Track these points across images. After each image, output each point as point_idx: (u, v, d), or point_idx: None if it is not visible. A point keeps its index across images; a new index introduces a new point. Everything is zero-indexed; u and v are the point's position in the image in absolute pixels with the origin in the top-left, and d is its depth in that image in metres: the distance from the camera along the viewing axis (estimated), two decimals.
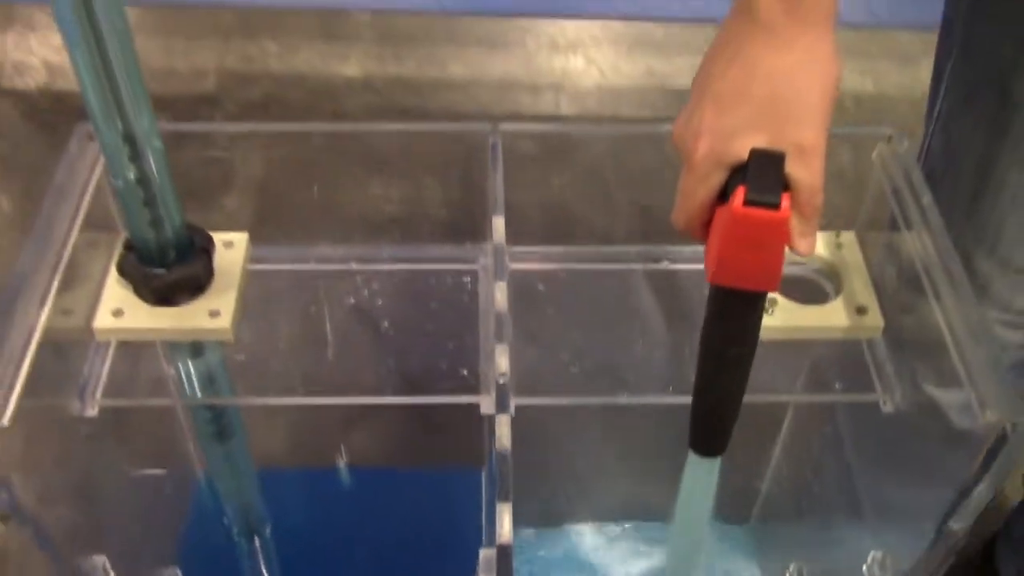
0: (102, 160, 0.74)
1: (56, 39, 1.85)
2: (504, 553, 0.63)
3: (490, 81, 1.89)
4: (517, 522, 0.64)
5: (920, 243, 0.76)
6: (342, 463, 1.18)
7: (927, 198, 0.76)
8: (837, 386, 0.90)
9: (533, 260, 0.86)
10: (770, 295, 0.78)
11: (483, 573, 0.71)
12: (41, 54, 1.88)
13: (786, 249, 0.61)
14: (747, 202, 0.56)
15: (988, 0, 0.78)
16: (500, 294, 0.73)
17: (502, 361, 0.69)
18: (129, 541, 0.89)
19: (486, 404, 0.71)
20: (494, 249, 0.76)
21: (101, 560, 0.78)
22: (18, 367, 0.66)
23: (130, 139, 0.68)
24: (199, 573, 1.04)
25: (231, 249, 0.80)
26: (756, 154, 0.57)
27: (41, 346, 0.68)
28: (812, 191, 0.59)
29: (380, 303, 0.89)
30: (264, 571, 1.07)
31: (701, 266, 0.62)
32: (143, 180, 0.71)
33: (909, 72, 1.78)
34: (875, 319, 0.79)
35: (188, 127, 0.83)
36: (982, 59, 0.79)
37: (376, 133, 0.95)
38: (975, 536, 1.24)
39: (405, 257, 0.89)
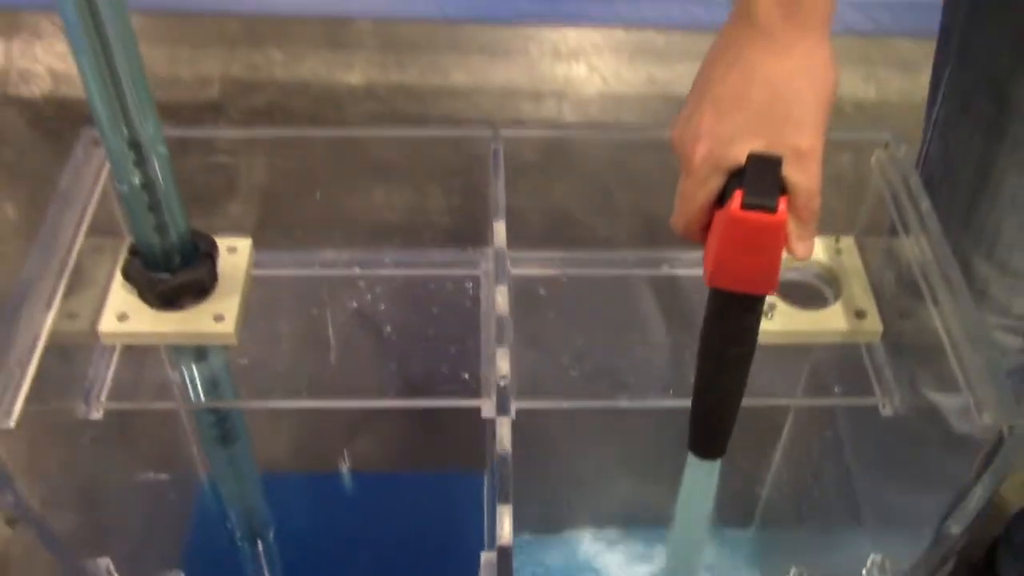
0: (107, 165, 0.75)
1: (61, 47, 1.87)
2: (504, 555, 0.63)
3: (492, 89, 1.89)
4: (518, 526, 0.65)
5: (918, 248, 0.76)
6: (345, 468, 1.18)
7: (925, 203, 0.77)
8: (836, 390, 0.90)
9: (534, 265, 0.86)
10: (770, 299, 0.79)
11: None
12: (46, 62, 1.89)
13: (785, 253, 0.61)
14: (744, 205, 0.56)
15: (985, 9, 0.79)
16: (501, 298, 0.74)
17: (503, 364, 0.70)
18: (133, 544, 0.89)
19: (487, 407, 0.71)
20: (495, 254, 0.77)
21: (105, 562, 0.78)
22: (24, 370, 0.67)
23: (135, 144, 0.69)
24: None
25: (235, 254, 0.81)
26: (754, 158, 0.58)
27: (47, 350, 0.69)
28: (809, 195, 0.59)
29: (382, 308, 0.90)
30: (267, 575, 1.08)
31: (701, 271, 0.63)
32: (148, 185, 0.72)
33: (910, 79, 1.79)
34: (874, 323, 0.79)
35: (193, 132, 0.84)
36: (979, 66, 0.80)
37: (379, 140, 0.96)
38: (976, 542, 1.24)
39: (407, 262, 0.89)
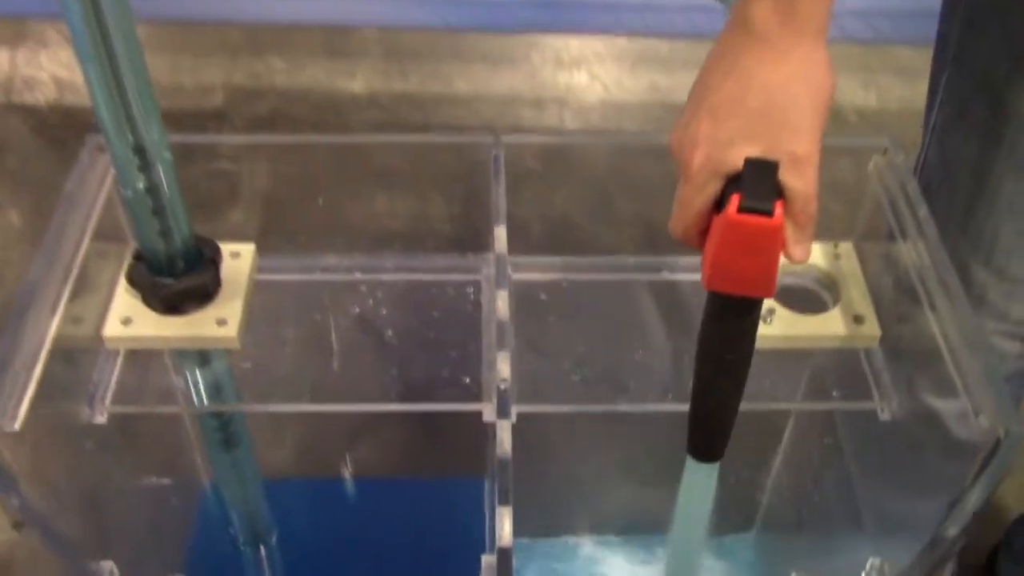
0: (112, 171, 0.76)
1: (66, 55, 1.88)
2: (504, 556, 0.64)
3: (495, 97, 1.90)
4: (518, 530, 0.65)
5: (916, 254, 0.77)
6: (347, 473, 1.19)
7: (923, 210, 0.78)
8: (835, 394, 0.90)
9: (535, 270, 0.87)
10: (769, 304, 0.79)
11: None
12: (51, 70, 1.90)
13: (784, 259, 0.62)
14: (741, 209, 0.57)
15: (981, 16, 0.80)
16: (502, 302, 0.74)
17: (503, 368, 0.70)
18: (136, 548, 0.90)
19: (488, 411, 0.72)
20: (496, 258, 0.77)
21: (108, 565, 0.78)
22: (29, 374, 0.68)
23: (140, 150, 0.70)
24: None
25: (238, 259, 0.82)
26: (750, 163, 0.58)
27: (52, 354, 0.69)
28: (806, 199, 0.60)
29: (384, 313, 0.90)
30: None
31: (700, 275, 0.63)
32: (152, 190, 0.72)
33: (911, 86, 1.80)
34: (872, 328, 0.80)
35: (196, 139, 0.85)
36: (975, 72, 0.81)
37: (381, 146, 0.96)
38: (977, 547, 1.25)
39: (409, 267, 0.90)
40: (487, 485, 1.02)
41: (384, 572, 1.08)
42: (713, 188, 0.61)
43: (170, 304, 0.77)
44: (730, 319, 0.62)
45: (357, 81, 1.91)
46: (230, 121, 1.83)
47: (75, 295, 0.73)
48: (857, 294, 0.82)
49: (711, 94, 0.61)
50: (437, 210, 1.63)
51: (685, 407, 0.69)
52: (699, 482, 0.72)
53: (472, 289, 0.88)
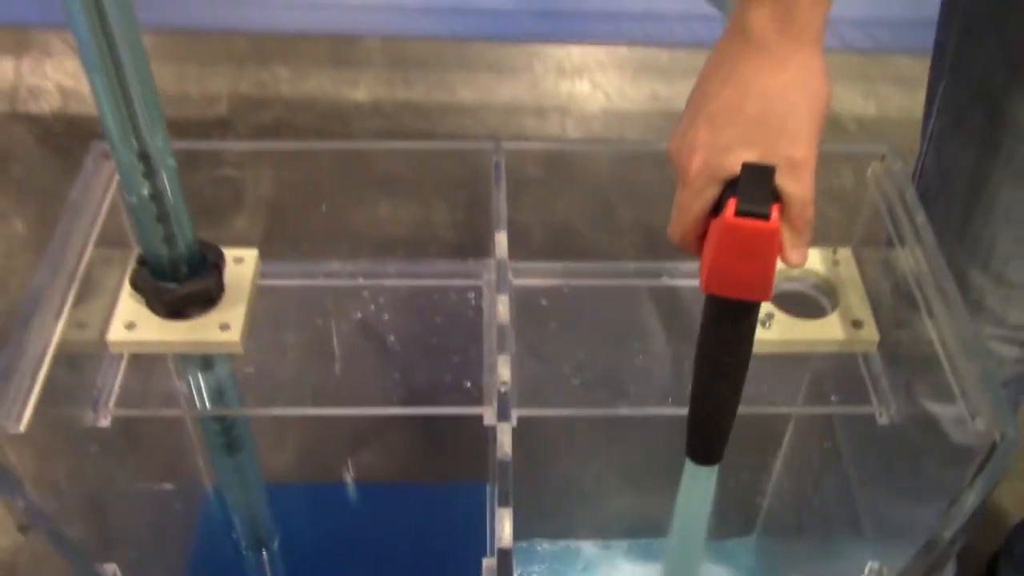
0: (117, 177, 0.76)
1: (71, 64, 1.89)
2: (504, 557, 0.64)
3: (498, 105, 1.91)
4: (519, 534, 0.66)
5: (914, 260, 0.77)
6: (349, 477, 1.19)
7: (921, 216, 0.78)
8: (833, 399, 0.91)
9: (536, 276, 0.87)
10: (768, 309, 0.80)
11: None
12: (56, 79, 1.91)
13: (783, 264, 0.63)
14: (738, 212, 0.58)
15: (978, 25, 0.80)
16: (502, 307, 0.75)
17: (504, 371, 0.71)
18: (139, 552, 0.90)
19: (488, 415, 0.73)
20: (497, 264, 0.78)
21: (112, 568, 0.79)
22: (34, 377, 0.68)
23: (145, 156, 0.71)
24: None
25: (241, 264, 0.82)
26: (747, 167, 0.59)
27: (56, 358, 0.70)
28: (803, 204, 0.60)
29: (386, 318, 0.91)
30: None
31: (698, 280, 0.64)
32: (156, 196, 0.73)
33: (910, 95, 1.80)
34: (871, 333, 0.80)
35: (201, 145, 0.86)
36: (973, 81, 0.81)
37: (383, 154, 0.97)
38: (977, 553, 1.25)
39: (411, 273, 0.91)
40: (489, 489, 1.02)
41: None
42: (711, 193, 0.61)
43: (174, 309, 0.78)
44: (728, 322, 0.63)
45: (361, 90, 1.92)
46: (235, 130, 1.84)
47: (79, 300, 0.74)
48: (856, 299, 0.82)
49: (709, 101, 0.62)
50: (439, 216, 1.63)
51: (685, 411, 0.69)
52: (698, 485, 0.73)
53: (473, 294, 0.89)
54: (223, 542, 1.07)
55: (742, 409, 0.68)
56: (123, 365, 0.81)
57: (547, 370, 0.87)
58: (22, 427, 0.66)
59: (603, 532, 1.11)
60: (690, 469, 0.72)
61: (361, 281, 0.90)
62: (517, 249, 0.80)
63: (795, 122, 0.60)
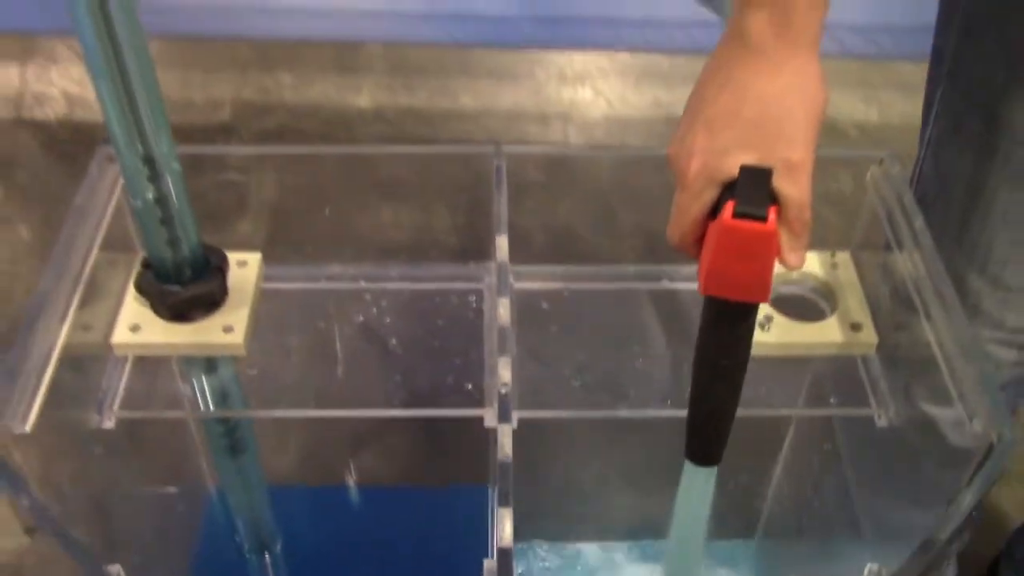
0: (121, 181, 0.77)
1: (76, 70, 1.90)
2: (504, 557, 0.65)
3: (500, 112, 1.92)
4: (519, 536, 0.66)
5: (912, 263, 0.78)
6: (352, 481, 1.20)
7: (919, 221, 0.79)
8: (832, 401, 0.91)
9: (537, 279, 0.88)
10: (767, 312, 0.80)
11: None
12: (61, 85, 1.92)
13: (783, 268, 0.63)
14: (736, 214, 0.58)
15: (975, 31, 0.81)
16: (503, 309, 0.75)
17: (504, 372, 0.72)
18: (143, 554, 0.91)
19: (489, 416, 0.73)
20: (498, 267, 0.79)
21: (116, 569, 0.79)
22: (39, 379, 0.69)
23: (149, 160, 0.71)
24: None
25: (245, 268, 0.83)
26: (745, 170, 0.60)
27: (61, 360, 0.71)
28: (800, 206, 0.61)
29: (388, 321, 0.91)
30: None
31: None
32: (161, 200, 0.74)
33: (911, 101, 1.80)
34: (869, 336, 0.81)
35: (206, 150, 0.87)
36: (970, 85, 0.82)
37: (386, 158, 0.98)
38: (978, 557, 1.25)
39: (413, 276, 0.91)
40: (489, 492, 1.02)
41: None
42: (709, 195, 0.62)
43: (178, 311, 0.79)
44: (726, 324, 0.64)
45: (364, 96, 1.92)
46: (239, 136, 1.85)
47: (85, 303, 0.75)
48: (854, 303, 0.83)
49: (707, 106, 0.62)
50: (441, 220, 1.64)
51: (684, 413, 0.70)
52: (697, 486, 0.73)
53: (474, 298, 0.89)
54: (226, 544, 1.08)
55: (742, 412, 0.69)
56: (127, 367, 0.82)
57: (547, 372, 0.88)
58: (28, 427, 0.66)
59: (603, 534, 1.11)
60: (689, 470, 0.72)
61: (363, 284, 0.91)
62: (518, 253, 0.81)
63: (792, 125, 0.61)
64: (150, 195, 0.73)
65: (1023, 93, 0.77)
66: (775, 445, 1.06)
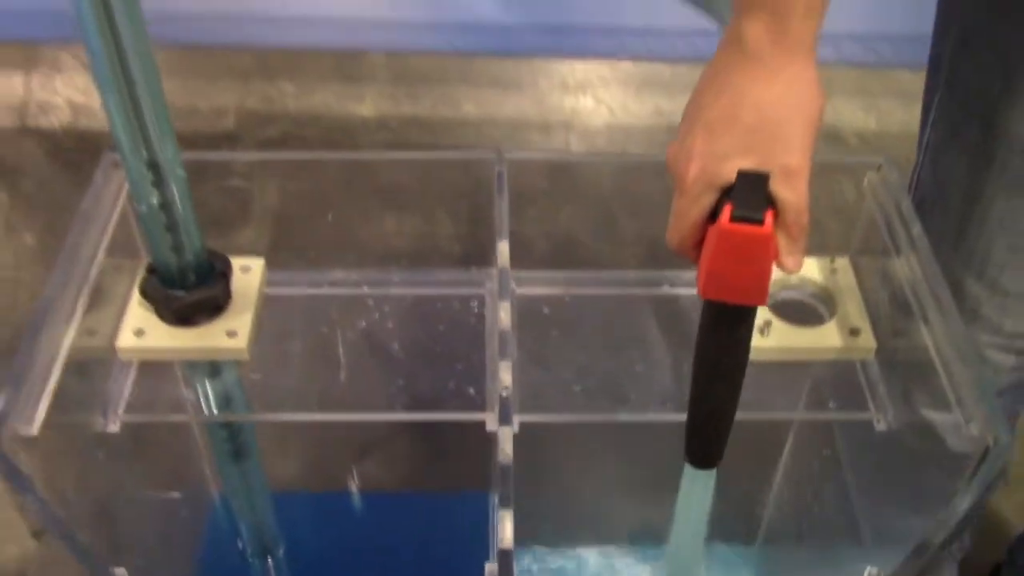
0: (126, 187, 0.78)
1: (81, 79, 1.91)
2: (505, 559, 0.65)
3: (502, 120, 1.92)
4: (520, 540, 0.67)
5: (909, 269, 0.78)
6: (354, 487, 1.20)
7: (917, 226, 0.79)
8: (832, 405, 0.92)
9: (538, 284, 0.89)
10: (766, 317, 0.81)
11: None
12: (66, 94, 1.93)
13: (782, 273, 0.64)
14: (733, 218, 0.59)
15: (973, 39, 0.82)
16: (504, 314, 0.76)
17: (505, 376, 0.72)
18: (146, 559, 0.91)
19: (491, 421, 0.74)
20: (499, 272, 0.79)
21: (121, 572, 0.80)
22: (45, 383, 0.70)
23: (154, 166, 0.72)
24: None
25: (248, 273, 0.84)
26: (743, 175, 0.60)
27: (67, 364, 0.71)
28: (798, 211, 0.62)
29: (390, 326, 0.92)
30: None
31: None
32: (166, 206, 0.75)
33: (911, 110, 1.81)
34: (868, 340, 0.81)
35: (210, 156, 0.87)
36: (968, 93, 0.82)
37: (388, 165, 0.98)
38: (980, 564, 1.25)
39: (415, 281, 0.92)
40: (491, 499, 1.03)
41: None
42: (708, 200, 0.63)
43: (182, 316, 0.79)
44: (725, 327, 0.64)
45: (366, 105, 1.93)
46: (242, 143, 1.86)
47: (90, 307, 0.76)
48: (853, 308, 0.83)
49: (706, 111, 0.63)
50: (443, 227, 1.65)
51: (684, 417, 0.70)
52: (697, 488, 0.74)
53: (476, 303, 0.90)
54: (229, 549, 1.08)
55: (742, 416, 0.69)
56: (132, 371, 0.82)
57: (548, 377, 0.88)
58: (35, 430, 0.67)
59: (604, 538, 1.12)
60: (689, 473, 0.73)
61: (366, 290, 0.91)
62: (520, 260, 0.81)
63: (789, 131, 0.62)
64: (155, 200, 0.74)
65: (1019, 102, 0.78)
66: (775, 450, 1.06)
